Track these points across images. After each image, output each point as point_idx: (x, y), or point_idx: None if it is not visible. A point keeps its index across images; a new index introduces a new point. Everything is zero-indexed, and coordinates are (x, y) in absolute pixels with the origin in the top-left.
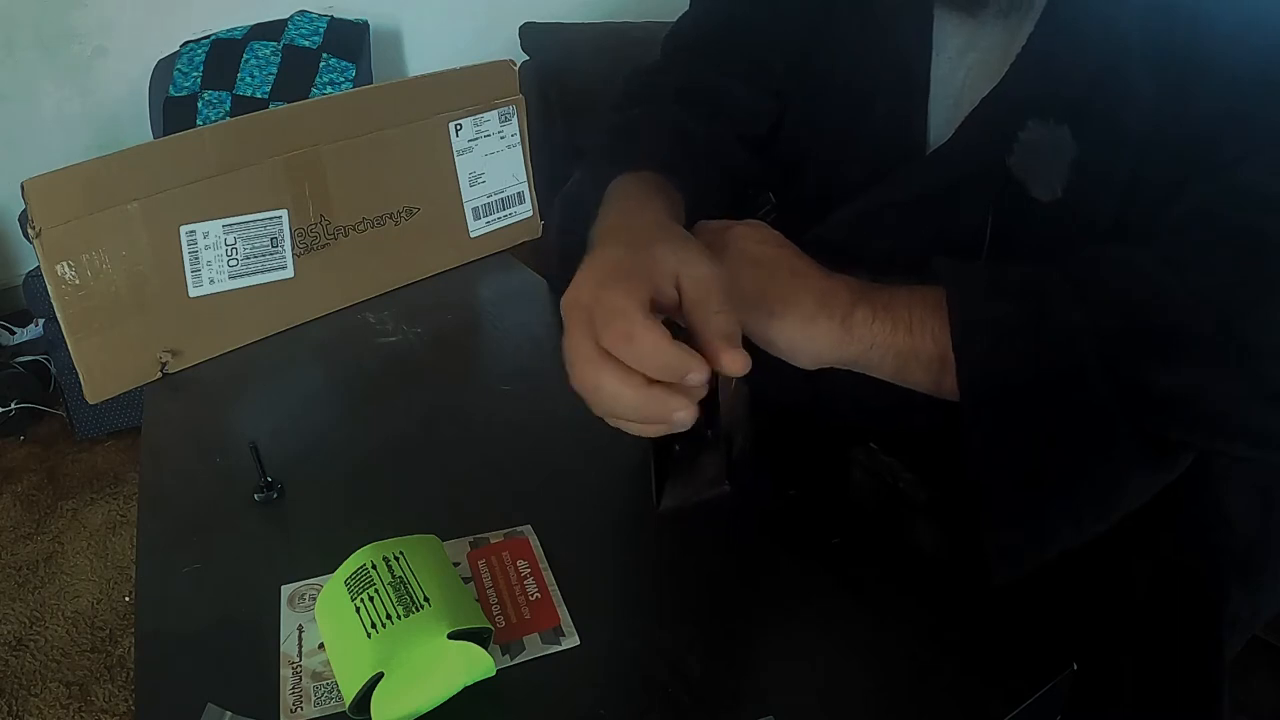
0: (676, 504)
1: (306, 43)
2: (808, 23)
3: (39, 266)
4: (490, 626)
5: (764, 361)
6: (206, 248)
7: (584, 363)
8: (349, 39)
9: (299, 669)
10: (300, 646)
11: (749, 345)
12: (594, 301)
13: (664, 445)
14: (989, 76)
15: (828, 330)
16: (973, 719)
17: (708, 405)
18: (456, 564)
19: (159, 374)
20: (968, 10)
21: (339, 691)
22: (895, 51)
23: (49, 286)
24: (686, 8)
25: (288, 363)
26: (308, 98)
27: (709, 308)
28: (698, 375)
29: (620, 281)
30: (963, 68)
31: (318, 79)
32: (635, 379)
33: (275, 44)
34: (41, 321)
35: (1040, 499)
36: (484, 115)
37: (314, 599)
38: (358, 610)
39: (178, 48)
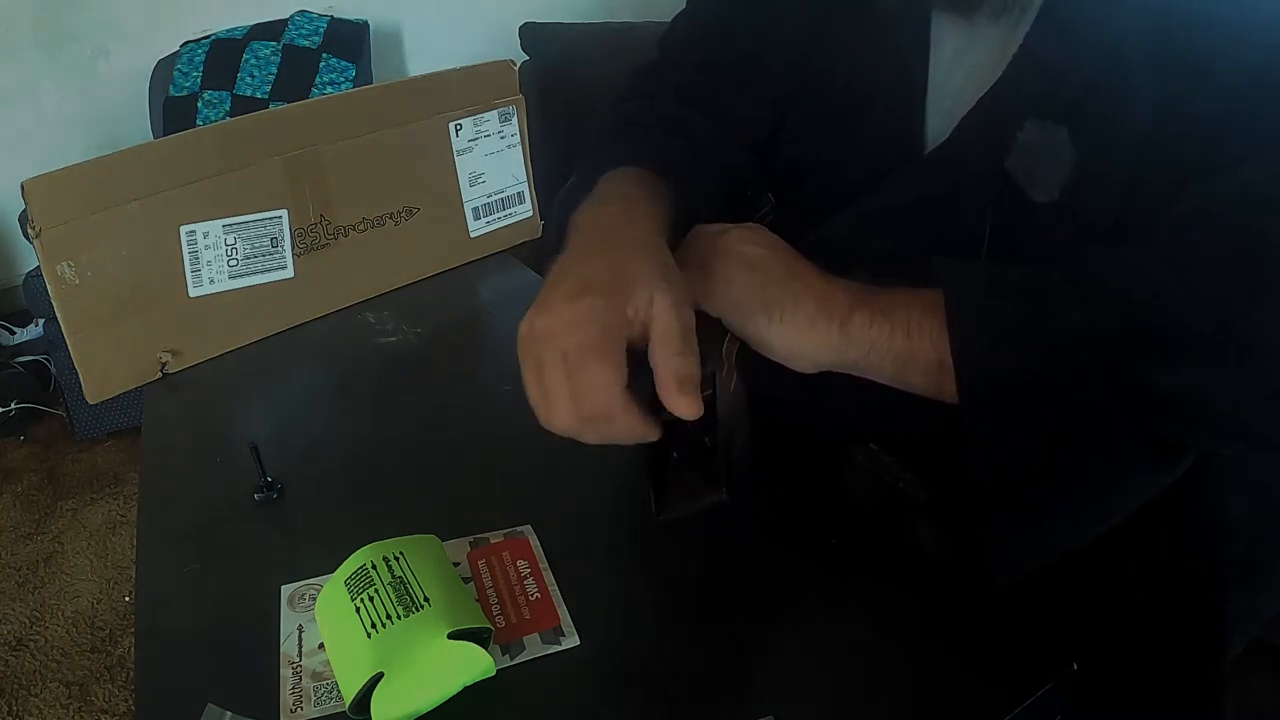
0: (675, 514)
1: (306, 43)
2: (806, 23)
3: (39, 266)
4: (490, 626)
5: (762, 364)
6: (206, 248)
7: (564, 414)
8: (349, 39)
9: (299, 669)
10: (300, 646)
11: (748, 348)
12: (574, 359)
13: (661, 455)
14: (987, 77)
15: (826, 334)
16: (973, 719)
17: (706, 413)
18: (456, 564)
19: (159, 374)
20: (964, 11)
21: (339, 691)
22: (893, 52)
23: (49, 286)
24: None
25: (288, 363)
26: (308, 98)
27: (670, 349)
28: (651, 437)
29: (598, 344)
30: (961, 68)
31: (318, 79)
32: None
33: (275, 44)
34: (41, 321)
35: (1040, 500)
36: (484, 115)
37: (314, 599)
38: (358, 610)
39: (178, 48)
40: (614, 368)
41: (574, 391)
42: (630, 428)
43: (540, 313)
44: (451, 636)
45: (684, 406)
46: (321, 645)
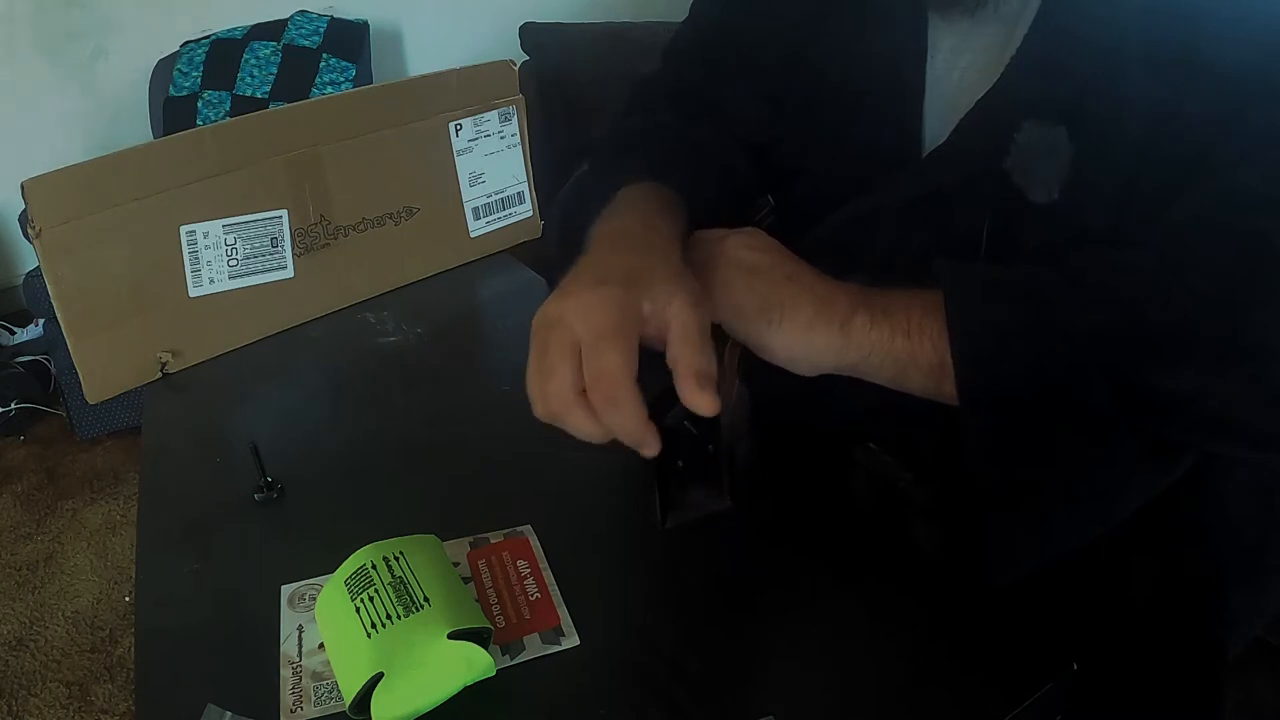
0: (681, 522)
1: (306, 43)
2: (803, 25)
3: (39, 266)
4: (490, 626)
5: (762, 366)
6: (206, 248)
7: (559, 397)
8: (349, 39)
9: (299, 669)
10: (300, 646)
11: (750, 354)
12: (589, 342)
13: (666, 463)
14: (984, 78)
15: (826, 337)
16: (973, 719)
17: (710, 420)
18: (456, 564)
19: (159, 374)
20: (958, 11)
21: (339, 691)
22: (889, 52)
23: (49, 286)
24: (686, 10)
25: (288, 363)
26: (308, 98)
27: (691, 346)
28: (650, 452)
29: (615, 330)
30: (957, 69)
31: (318, 79)
32: (601, 424)
33: (275, 44)
34: (41, 321)
35: (1040, 502)
36: (484, 115)
37: (314, 599)
38: (358, 610)
39: (178, 48)
40: (628, 353)
41: (589, 375)
42: (636, 419)
43: (555, 299)
44: (451, 636)
45: (703, 403)
46: (321, 645)
